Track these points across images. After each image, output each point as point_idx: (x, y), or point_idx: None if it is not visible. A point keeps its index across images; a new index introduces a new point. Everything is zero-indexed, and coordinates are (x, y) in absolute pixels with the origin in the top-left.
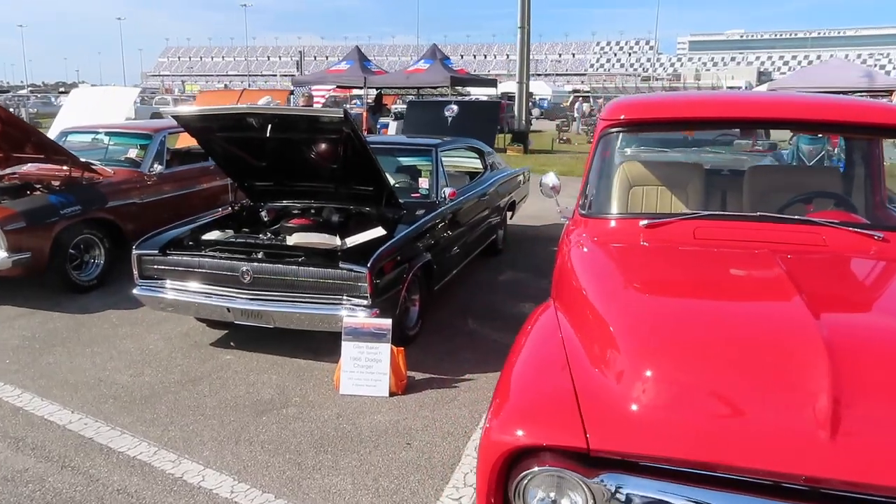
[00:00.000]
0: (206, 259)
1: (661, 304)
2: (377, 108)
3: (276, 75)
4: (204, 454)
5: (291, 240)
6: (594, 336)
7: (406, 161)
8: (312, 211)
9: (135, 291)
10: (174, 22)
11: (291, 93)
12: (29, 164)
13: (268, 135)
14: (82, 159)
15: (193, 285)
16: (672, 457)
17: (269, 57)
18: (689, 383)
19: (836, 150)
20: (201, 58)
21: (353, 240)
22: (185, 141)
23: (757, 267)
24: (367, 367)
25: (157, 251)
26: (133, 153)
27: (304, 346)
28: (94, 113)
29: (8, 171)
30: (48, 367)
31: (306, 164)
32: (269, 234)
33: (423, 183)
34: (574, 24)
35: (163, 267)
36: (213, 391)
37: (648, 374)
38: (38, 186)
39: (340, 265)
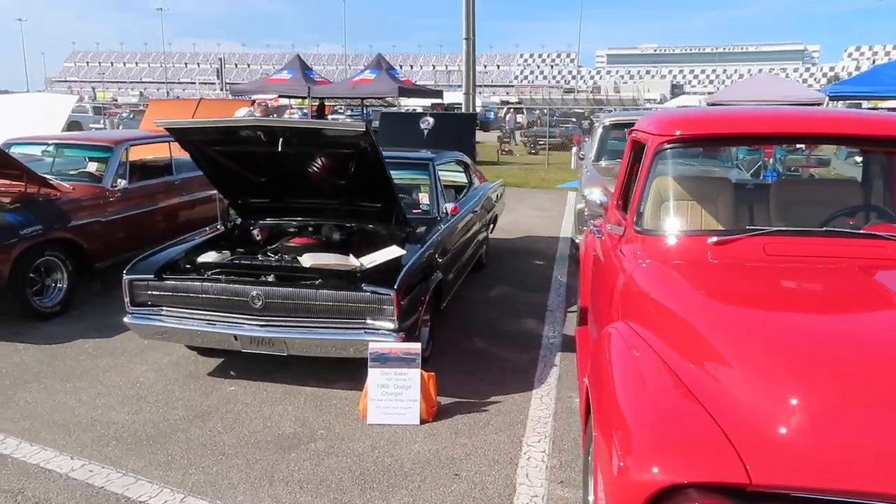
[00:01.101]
0: (211, 283)
1: (783, 323)
2: (320, 117)
3: (194, 83)
4: (238, 499)
5: (305, 261)
6: (714, 360)
7: (401, 175)
8: (310, 229)
9: (126, 320)
10: (81, 25)
11: (253, 102)
12: None
13: (279, 149)
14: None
15: (195, 312)
16: (835, 488)
17: (186, 64)
18: (844, 408)
19: (770, 160)
20: (112, 63)
21: (370, 260)
22: (139, 154)
23: (853, 283)
24: (395, 394)
25: (152, 276)
26: (92, 167)
27: (313, 374)
28: (26, 123)
29: None
30: (27, 406)
31: (311, 180)
32: (276, 256)
33: (423, 198)
34: (498, 37)
35: (159, 293)
36: (227, 427)
37: (796, 400)
38: None
39: (364, 287)
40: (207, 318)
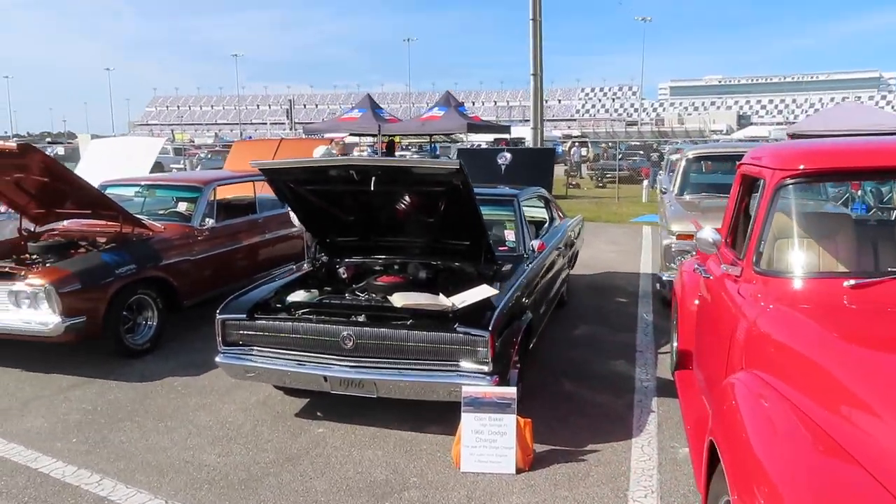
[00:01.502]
0: (302, 323)
1: None
2: (390, 154)
3: (265, 123)
4: None
5: (396, 301)
6: (864, 412)
7: (485, 211)
8: (396, 267)
9: (218, 359)
10: (162, 72)
11: (331, 141)
12: (69, 220)
13: (371, 188)
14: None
15: (285, 352)
16: None
17: (258, 105)
18: None
19: (858, 192)
20: (189, 107)
21: (461, 299)
22: (224, 193)
23: None
24: (490, 440)
25: (244, 315)
26: (182, 207)
27: (400, 416)
28: (116, 165)
29: (46, 227)
30: (122, 446)
31: (398, 218)
32: (364, 295)
33: (509, 235)
34: (559, 72)
35: (250, 332)
36: (318, 472)
37: None
38: (82, 244)
39: (457, 328)
40: (297, 358)
